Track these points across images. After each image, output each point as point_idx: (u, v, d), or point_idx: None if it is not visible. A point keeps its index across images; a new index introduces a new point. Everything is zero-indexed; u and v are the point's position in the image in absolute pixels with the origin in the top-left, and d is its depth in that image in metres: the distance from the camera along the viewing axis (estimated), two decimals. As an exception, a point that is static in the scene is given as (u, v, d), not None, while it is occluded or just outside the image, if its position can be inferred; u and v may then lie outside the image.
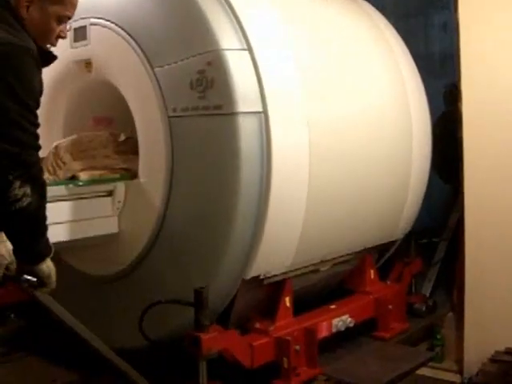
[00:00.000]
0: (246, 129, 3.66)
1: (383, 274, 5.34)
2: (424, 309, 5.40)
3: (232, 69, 3.64)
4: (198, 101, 3.71)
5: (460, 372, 4.58)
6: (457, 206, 6.03)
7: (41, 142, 4.64)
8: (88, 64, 4.43)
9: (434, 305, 5.48)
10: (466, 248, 4.58)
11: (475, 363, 4.33)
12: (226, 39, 3.71)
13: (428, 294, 5.63)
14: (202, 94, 3.69)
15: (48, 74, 4.63)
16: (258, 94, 3.72)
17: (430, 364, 4.68)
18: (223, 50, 3.66)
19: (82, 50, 4.39)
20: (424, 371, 4.56)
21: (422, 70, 6.48)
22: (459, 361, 4.65)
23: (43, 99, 4.64)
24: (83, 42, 4.37)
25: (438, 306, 5.55)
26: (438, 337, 4.96)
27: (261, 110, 3.72)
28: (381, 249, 5.26)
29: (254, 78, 3.73)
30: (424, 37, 8.09)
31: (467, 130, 4.60)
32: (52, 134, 4.69)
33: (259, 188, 3.73)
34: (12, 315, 5.17)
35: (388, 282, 5.20)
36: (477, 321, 4.53)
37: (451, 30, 6.77)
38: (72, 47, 4.45)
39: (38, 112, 4.76)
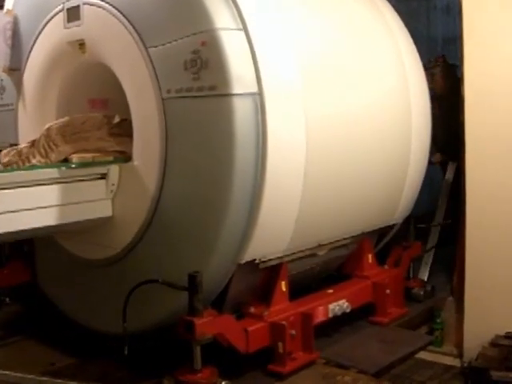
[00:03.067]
0: (241, 110, 3.59)
1: (383, 258, 5.29)
2: (422, 293, 5.35)
3: (227, 49, 3.57)
4: (192, 82, 3.64)
5: (460, 356, 4.55)
6: (446, 190, 6.01)
7: (33, 124, 4.69)
8: (82, 45, 4.36)
9: (432, 290, 5.43)
10: (467, 232, 4.55)
11: (475, 347, 4.31)
12: (221, 19, 3.63)
13: (426, 279, 5.56)
14: (197, 74, 3.62)
15: (41, 55, 4.62)
16: (254, 75, 3.65)
17: (430, 348, 4.66)
18: (218, 29, 3.59)
19: (76, 31, 4.33)
20: (423, 355, 4.54)
21: (425, 53, 6.44)
22: (459, 345, 4.63)
23: (36, 81, 4.71)
24: (76, 23, 4.30)
25: (437, 290, 5.49)
26: (438, 321, 4.94)
27: (256, 91, 3.64)
28: (379, 233, 5.20)
29: (250, 59, 3.65)
30: (426, 19, 8.04)
31: (469, 114, 4.56)
32: (45, 116, 4.63)
33: (254, 171, 3.67)
34: (7, 299, 5.14)
35: (386, 267, 5.13)
36: (477, 305, 4.52)
37: (454, 12, 6.84)
38: (65, 27, 4.39)
39: (32, 94, 4.78)
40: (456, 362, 4.48)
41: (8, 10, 4.92)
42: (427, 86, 5.17)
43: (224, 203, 3.65)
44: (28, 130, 4.74)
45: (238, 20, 3.68)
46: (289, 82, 3.84)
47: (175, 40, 3.71)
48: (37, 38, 4.64)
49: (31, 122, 4.74)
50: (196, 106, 3.67)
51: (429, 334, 4.95)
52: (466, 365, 4.28)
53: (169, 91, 3.75)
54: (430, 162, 6.36)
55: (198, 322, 3.53)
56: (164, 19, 3.79)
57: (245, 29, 3.67)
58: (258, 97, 3.65)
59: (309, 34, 4.12)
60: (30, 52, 4.72)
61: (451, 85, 6.26)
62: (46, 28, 4.56)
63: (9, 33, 4.84)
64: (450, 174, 6.20)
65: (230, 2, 3.70)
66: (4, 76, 4.98)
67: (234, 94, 3.57)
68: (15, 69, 4.88)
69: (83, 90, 4.70)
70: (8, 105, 4.98)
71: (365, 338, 4.59)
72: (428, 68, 6.31)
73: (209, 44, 3.58)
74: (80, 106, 4.73)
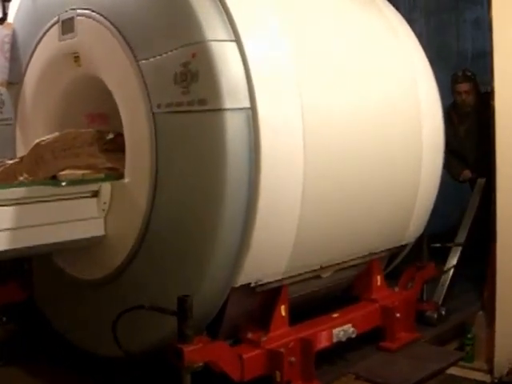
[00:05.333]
0: (233, 126, 3.40)
1: (395, 279, 5.06)
2: (435, 317, 5.07)
3: (218, 61, 3.39)
4: (181, 96, 3.47)
5: (490, 371, 4.46)
6: (472, 208, 5.80)
7: (30, 139, 4.58)
8: (77, 58, 4.23)
9: (446, 313, 5.15)
10: (498, 246, 4.46)
11: (506, 362, 4.25)
12: (212, 30, 3.46)
13: (440, 302, 5.30)
14: (186, 88, 3.45)
15: (38, 68, 4.51)
16: (246, 89, 3.45)
17: (460, 363, 4.55)
18: (208, 41, 3.41)
19: (70, 43, 4.21)
20: (454, 370, 4.42)
21: (455, 67, 6.29)
22: (489, 360, 4.53)
23: (33, 95, 4.60)
24: (71, 35, 4.18)
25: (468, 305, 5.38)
26: (469, 336, 4.81)
27: (249, 106, 3.45)
28: (390, 253, 4.95)
29: (242, 72, 3.46)
30: (456, 33, 8.02)
31: (500, 128, 4.47)
32: (42, 131, 4.51)
33: (247, 189, 3.47)
34: (4, 318, 5.02)
35: (396, 289, 4.88)
36: (508, 320, 4.42)
37: (483, 26, 6.68)
38: (60, 40, 4.27)
39: (29, 109, 4.67)
40: (487, 378, 4.41)
41: (7, 23, 4.83)
42: (439, 95, 4.92)
43: (215, 223, 3.47)
44: (25, 145, 4.62)
45: (231, 31, 3.50)
46: (285, 94, 3.63)
47: (165, 52, 3.55)
48: (34, 51, 4.54)
49: (28, 137, 4.62)
50: (186, 121, 3.50)
51: (459, 349, 4.83)
52: (496, 380, 4.25)
53: (159, 106, 3.59)
54: (459, 180, 6.29)
55: (187, 349, 3.33)
56: (155, 31, 3.64)
57: (237, 40, 3.49)
58: (251, 112, 3.45)
59: (308, 46, 3.91)
60: (27, 65, 4.61)
61: (478, 100, 6.10)
62: (43, 41, 4.46)
63: (7, 46, 4.74)
64: (477, 191, 5.96)
65: (223, 13, 3.53)
66: (3, 90, 4.88)
67: (225, 109, 3.38)
68: (14, 82, 4.78)
69: (81, 104, 4.58)
70: (7, 119, 4.88)
71: (394, 354, 4.46)
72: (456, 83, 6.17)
73: (199, 56, 3.41)
74: (78, 121, 4.59)
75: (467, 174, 6.32)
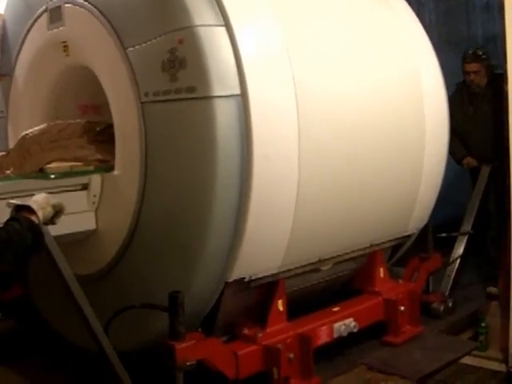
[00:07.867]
0: (223, 114, 3.27)
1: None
2: (442, 309, 4.92)
3: (206, 47, 3.26)
4: (169, 84, 3.34)
5: (505, 361, 4.37)
6: (477, 196, 5.64)
7: (22, 132, 4.47)
8: (65, 47, 4.12)
9: (453, 305, 5.00)
10: None
11: None
12: (200, 14, 3.32)
13: (447, 293, 5.14)
14: (174, 75, 3.32)
15: (28, 59, 4.40)
16: (237, 75, 3.31)
17: (474, 352, 4.50)
18: (196, 26, 3.28)
19: (58, 32, 4.10)
20: (468, 360, 4.40)
21: (464, 51, 6.11)
22: (504, 349, 4.44)
23: (24, 87, 4.48)
24: (59, 23, 4.06)
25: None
26: (483, 325, 4.72)
27: (239, 92, 3.31)
28: (393, 244, 4.80)
29: (232, 57, 3.32)
30: (466, 18, 7.90)
31: None
32: (34, 123, 4.38)
33: (239, 180, 3.34)
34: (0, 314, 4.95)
35: (400, 281, 4.73)
36: None
37: (493, 10, 6.80)
38: (48, 29, 4.16)
39: (20, 101, 4.56)
40: (501, 367, 4.34)
41: (-3, 14, 4.72)
42: (443, 79, 4.74)
43: (206, 216, 3.34)
44: (17, 138, 4.50)
45: (220, 15, 3.36)
46: (278, 80, 3.48)
47: (153, 38, 3.42)
48: (24, 41, 4.43)
49: (21, 130, 4.50)
50: (174, 110, 3.37)
51: (473, 339, 4.75)
52: (511, 369, 4.19)
53: (147, 94, 3.47)
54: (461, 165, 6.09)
55: (179, 346, 3.23)
56: (142, 17, 3.51)
57: (227, 25, 3.35)
58: (242, 99, 3.31)
59: (302, 30, 3.75)
60: (17, 56, 4.50)
61: (490, 81, 5.90)
62: (32, 30, 4.36)
63: (-3, 37, 4.63)
64: (483, 179, 5.78)
65: (212, -4, 3.39)
66: (-5, 82, 4.78)
67: (214, 97, 3.25)
68: (5, 74, 4.67)
69: (72, 95, 4.47)
70: (-1, 112, 4.78)
71: (407, 345, 4.38)
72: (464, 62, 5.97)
73: (186, 42, 3.27)
74: (71, 113, 4.48)
75: (472, 162, 6.06)
